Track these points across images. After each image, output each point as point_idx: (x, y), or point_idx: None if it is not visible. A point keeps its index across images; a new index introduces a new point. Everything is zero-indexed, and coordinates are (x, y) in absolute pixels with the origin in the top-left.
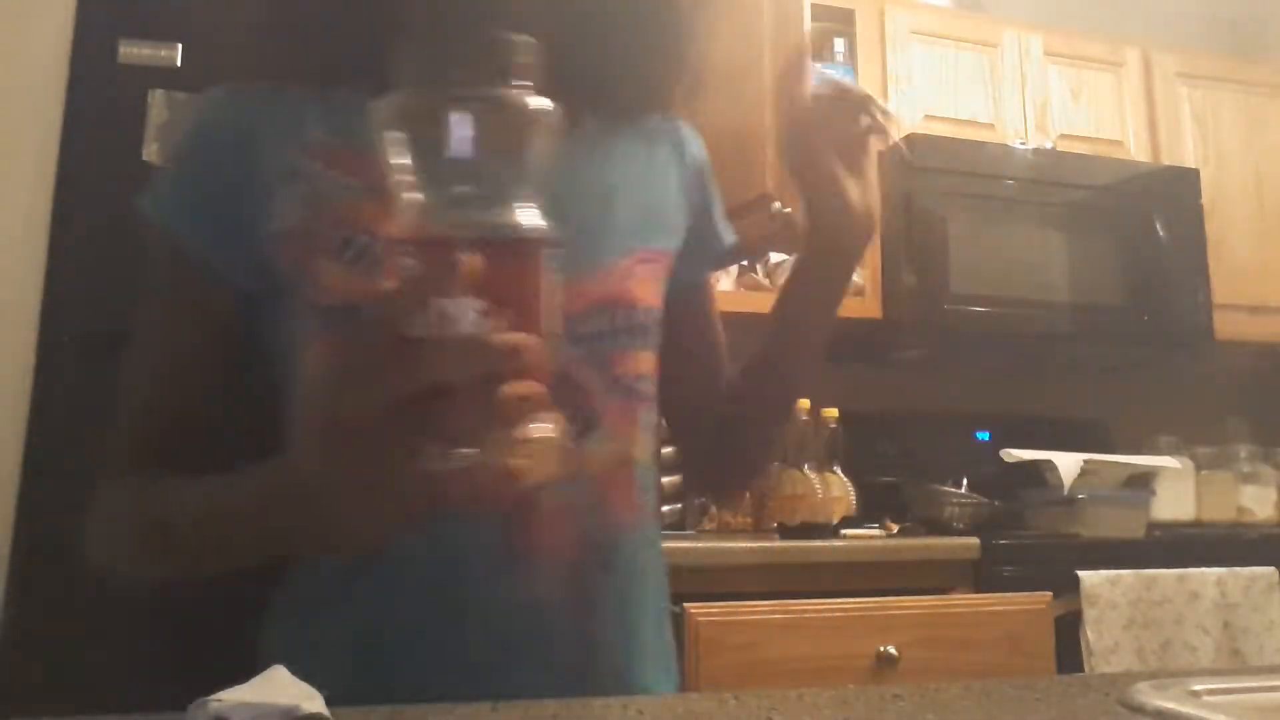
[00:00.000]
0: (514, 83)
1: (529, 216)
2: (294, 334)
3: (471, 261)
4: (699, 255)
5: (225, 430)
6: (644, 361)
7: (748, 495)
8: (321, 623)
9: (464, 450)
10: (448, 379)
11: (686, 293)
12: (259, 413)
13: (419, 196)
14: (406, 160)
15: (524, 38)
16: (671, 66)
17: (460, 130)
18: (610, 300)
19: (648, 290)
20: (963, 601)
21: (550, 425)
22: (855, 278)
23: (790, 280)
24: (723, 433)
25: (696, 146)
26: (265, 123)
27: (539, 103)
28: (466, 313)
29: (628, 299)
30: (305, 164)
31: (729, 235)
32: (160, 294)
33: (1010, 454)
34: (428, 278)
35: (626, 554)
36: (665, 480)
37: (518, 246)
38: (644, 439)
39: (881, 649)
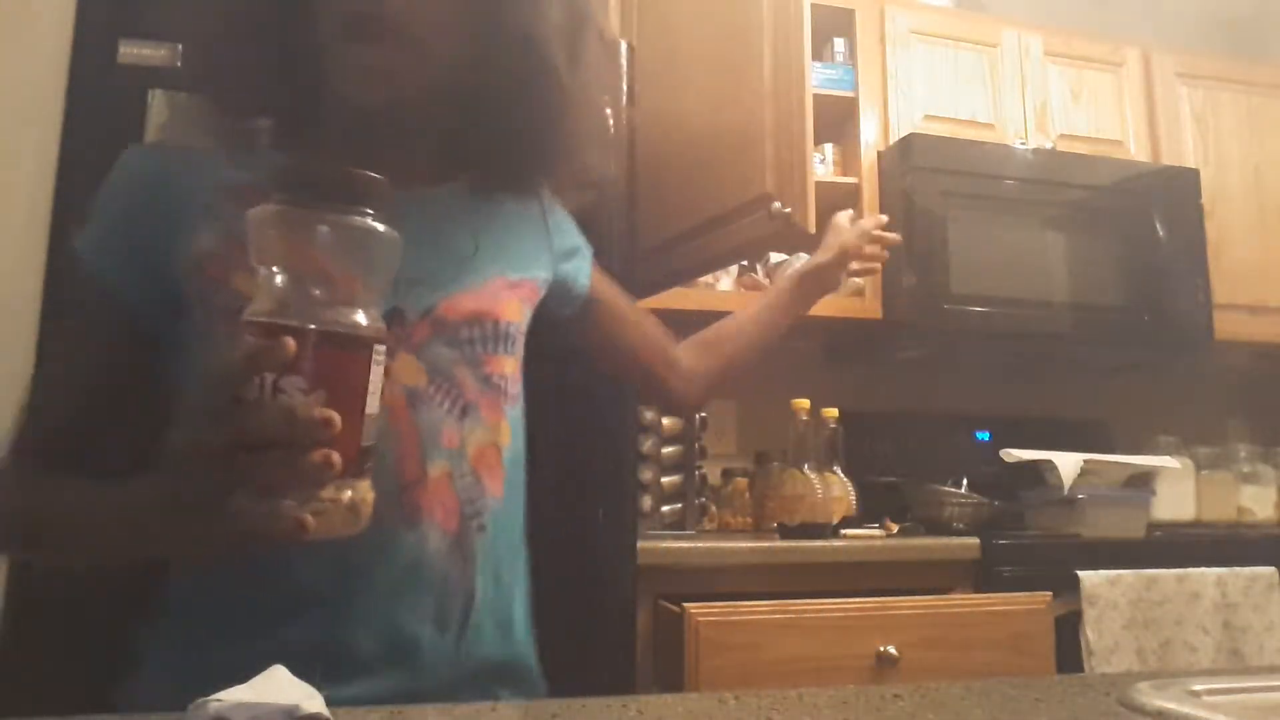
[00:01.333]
0: (367, 210)
1: (364, 318)
2: (192, 351)
3: (293, 346)
4: (566, 290)
5: (114, 439)
6: (508, 365)
7: (746, 496)
8: (219, 580)
9: (268, 500)
10: (259, 437)
11: (583, 314)
12: (145, 426)
13: (279, 285)
14: (274, 255)
15: (378, 177)
16: (539, 157)
17: (321, 239)
18: (480, 314)
19: (510, 309)
20: (963, 601)
21: (347, 491)
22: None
23: (784, 305)
24: (699, 392)
25: (559, 212)
26: (179, 173)
27: (385, 229)
28: (292, 389)
29: (494, 314)
30: (220, 202)
31: (583, 281)
32: (73, 315)
33: (1010, 454)
34: (263, 355)
35: (499, 520)
36: (665, 480)
37: (349, 341)
38: (508, 428)
39: (882, 649)
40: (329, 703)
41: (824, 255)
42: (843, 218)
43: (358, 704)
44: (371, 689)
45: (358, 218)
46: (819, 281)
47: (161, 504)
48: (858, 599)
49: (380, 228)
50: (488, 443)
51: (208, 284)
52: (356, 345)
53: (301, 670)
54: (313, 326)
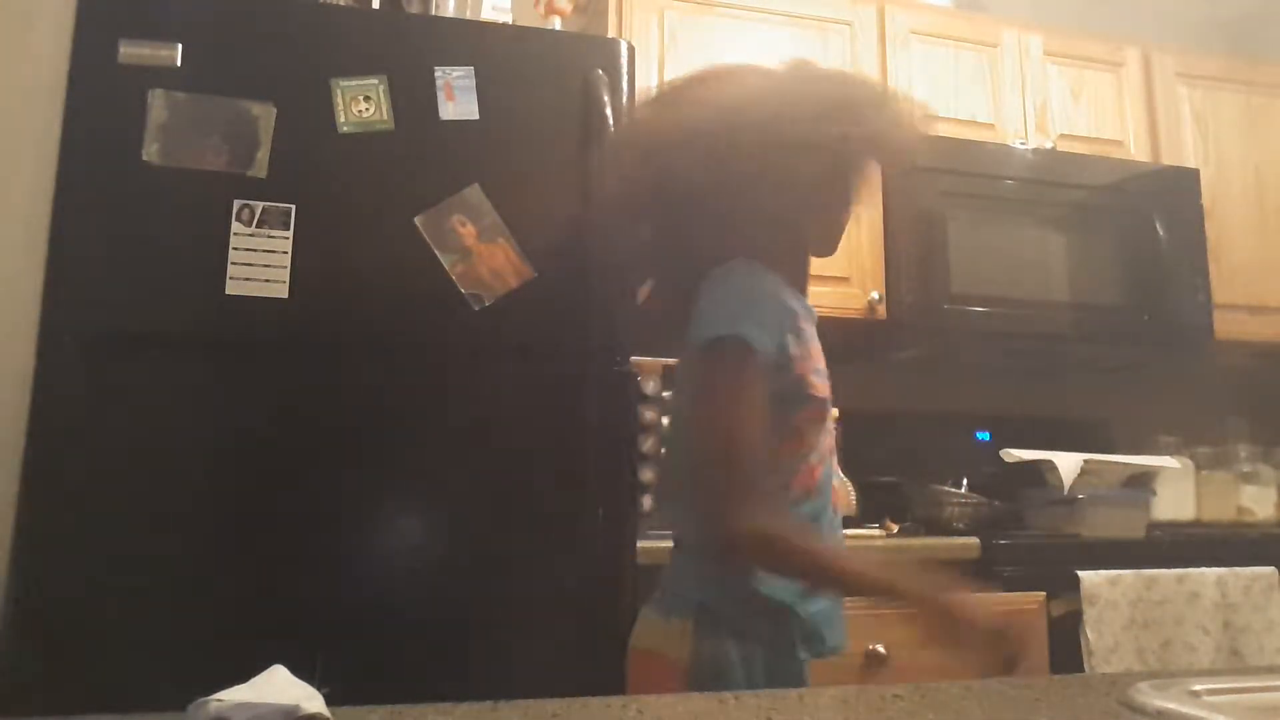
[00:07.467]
0: None
1: None
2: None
3: None
4: None
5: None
6: None
7: None
8: None
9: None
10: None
11: None
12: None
13: None
14: None
15: None
16: None
17: None
18: None
19: None
20: None
21: None
22: (853, 284)
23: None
24: None
25: None
26: (779, 292)
27: None
28: None
29: None
30: (797, 322)
31: None
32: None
33: (1010, 454)
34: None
35: None
36: None
37: None
38: None
39: (870, 648)
40: None
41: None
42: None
43: None
44: None
45: None
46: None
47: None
48: (846, 598)
49: None
50: None
51: (795, 377)
52: None
53: None
54: None
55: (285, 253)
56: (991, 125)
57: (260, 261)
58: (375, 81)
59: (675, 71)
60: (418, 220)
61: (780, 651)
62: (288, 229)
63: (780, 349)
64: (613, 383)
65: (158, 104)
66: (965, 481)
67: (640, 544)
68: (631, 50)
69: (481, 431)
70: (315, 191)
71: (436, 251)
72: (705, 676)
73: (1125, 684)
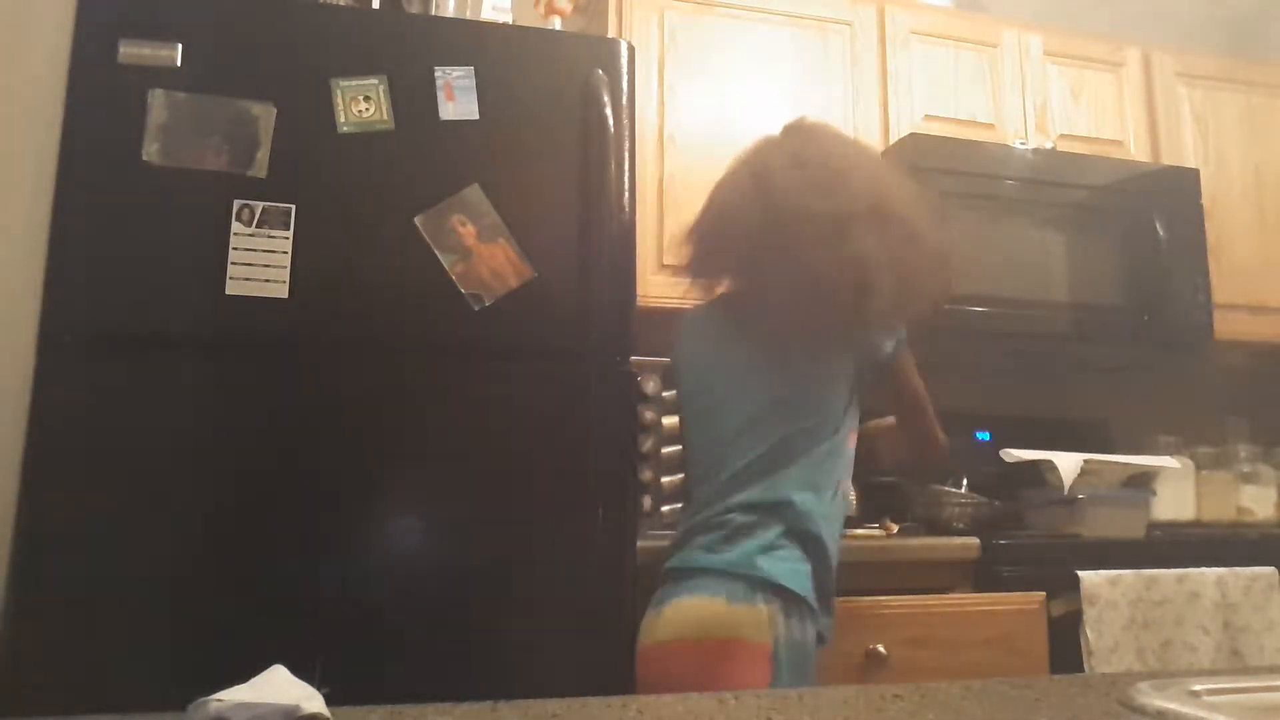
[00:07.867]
0: None
1: None
2: None
3: None
4: None
5: None
6: None
7: None
8: None
9: None
10: None
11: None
12: None
13: None
14: None
15: None
16: None
17: None
18: None
19: None
20: (953, 601)
21: None
22: None
23: None
24: None
25: None
26: None
27: None
28: None
29: None
30: None
31: None
32: None
33: (1010, 454)
34: None
35: None
36: (665, 480)
37: None
38: None
39: (871, 648)
40: None
41: None
42: None
43: None
44: None
45: None
46: None
47: None
48: (846, 598)
49: None
50: None
51: None
52: None
53: None
54: None
55: (285, 253)
56: (991, 125)
57: (260, 261)
58: (375, 81)
59: (675, 71)
60: (418, 220)
61: (824, 636)
62: (288, 229)
63: None
64: (613, 383)
65: (158, 104)
66: (965, 481)
67: (640, 544)
68: (631, 50)
69: (481, 431)
70: (315, 191)
71: (436, 251)
72: (792, 656)
73: (1125, 684)
